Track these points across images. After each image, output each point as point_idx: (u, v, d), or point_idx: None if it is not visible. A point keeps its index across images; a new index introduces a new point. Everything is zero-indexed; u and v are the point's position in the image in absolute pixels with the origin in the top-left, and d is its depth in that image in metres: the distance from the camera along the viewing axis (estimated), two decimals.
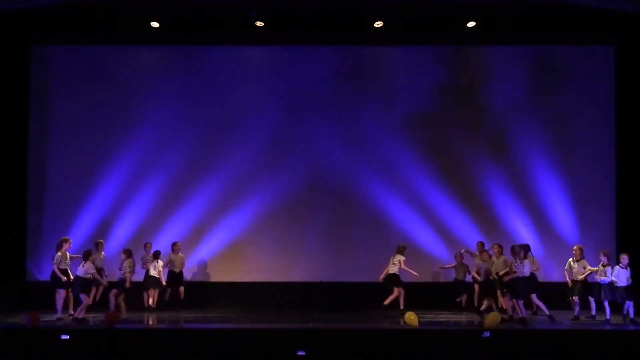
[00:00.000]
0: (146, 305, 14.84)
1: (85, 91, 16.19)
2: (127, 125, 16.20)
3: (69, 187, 16.05)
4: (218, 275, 16.10)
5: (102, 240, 14.75)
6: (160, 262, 15.00)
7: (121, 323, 12.51)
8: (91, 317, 13.39)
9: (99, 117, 16.16)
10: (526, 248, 13.71)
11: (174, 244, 15.30)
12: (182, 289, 15.19)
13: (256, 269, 16.09)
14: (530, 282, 13.33)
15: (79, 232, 15.62)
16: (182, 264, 15.33)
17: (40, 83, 16.27)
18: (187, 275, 15.83)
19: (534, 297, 13.62)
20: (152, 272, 14.88)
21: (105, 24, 15.82)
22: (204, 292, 15.84)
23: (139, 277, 14.96)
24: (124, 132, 16.18)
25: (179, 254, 15.28)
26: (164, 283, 14.91)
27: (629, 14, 14.58)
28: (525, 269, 13.14)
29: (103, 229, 15.89)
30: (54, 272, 13.47)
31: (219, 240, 15.97)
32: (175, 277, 15.21)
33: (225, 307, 15.38)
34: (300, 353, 11.19)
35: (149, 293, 14.88)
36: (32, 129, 16.20)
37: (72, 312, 13.36)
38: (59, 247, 13.47)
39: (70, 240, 13.82)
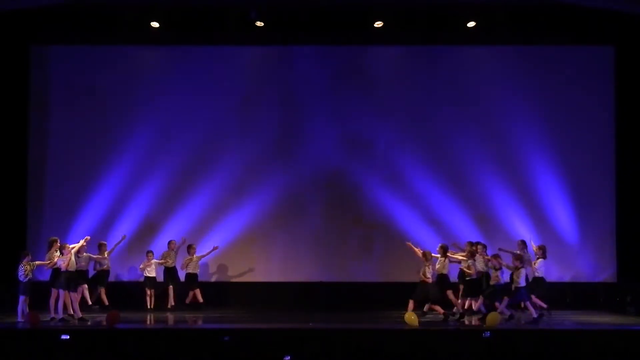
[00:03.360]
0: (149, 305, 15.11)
1: (85, 91, 16.21)
2: (126, 124, 16.21)
3: (69, 187, 16.07)
4: (218, 275, 16.10)
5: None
6: (154, 261, 15.27)
7: (121, 323, 12.50)
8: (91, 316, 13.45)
9: (99, 117, 16.17)
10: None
11: (189, 246, 15.38)
12: (198, 290, 15.30)
13: (256, 269, 16.11)
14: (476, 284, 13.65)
15: (79, 233, 15.57)
16: (197, 266, 15.46)
17: (40, 83, 16.28)
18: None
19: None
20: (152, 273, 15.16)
21: (105, 24, 15.85)
22: (204, 292, 15.80)
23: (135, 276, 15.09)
24: (123, 131, 16.19)
25: (194, 255, 15.37)
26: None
27: (629, 14, 14.59)
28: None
29: (103, 229, 15.90)
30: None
31: (219, 241, 15.93)
32: (192, 278, 15.33)
33: (225, 307, 15.39)
34: (286, 358, 11.18)
35: (151, 292, 15.13)
36: (32, 129, 16.22)
37: (71, 312, 13.34)
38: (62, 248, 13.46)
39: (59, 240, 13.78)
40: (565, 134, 16.17)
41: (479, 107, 16.25)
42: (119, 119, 16.21)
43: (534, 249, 14.24)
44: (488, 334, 11.60)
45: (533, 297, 13.75)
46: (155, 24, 15.88)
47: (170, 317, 14.11)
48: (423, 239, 15.97)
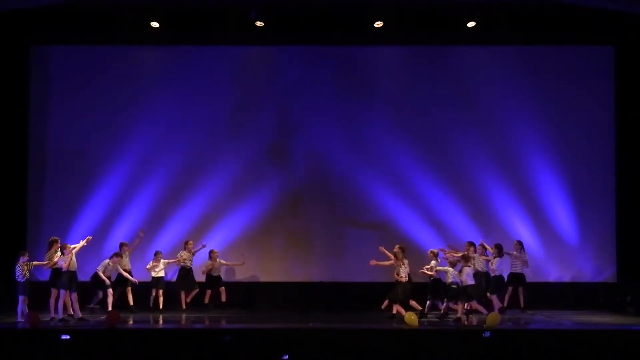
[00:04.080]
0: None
1: (85, 91, 16.22)
2: (126, 124, 16.21)
3: (68, 187, 16.06)
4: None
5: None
6: (163, 261, 15.24)
7: (121, 323, 12.52)
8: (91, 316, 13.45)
9: (99, 117, 16.17)
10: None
11: (211, 252, 15.42)
12: (223, 289, 15.37)
13: (256, 269, 16.11)
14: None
15: (79, 233, 15.57)
16: (219, 269, 15.53)
17: (40, 83, 16.28)
18: None
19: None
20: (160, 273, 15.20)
21: (105, 24, 15.83)
22: (203, 293, 15.79)
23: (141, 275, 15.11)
24: (123, 131, 16.19)
25: (217, 259, 15.40)
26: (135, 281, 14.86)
27: (629, 14, 14.59)
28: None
29: (103, 229, 15.89)
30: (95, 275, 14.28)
31: (219, 241, 15.94)
32: (214, 280, 15.40)
33: (225, 307, 15.37)
34: (284, 357, 11.19)
35: (159, 293, 15.10)
36: (32, 129, 16.21)
37: (71, 312, 13.36)
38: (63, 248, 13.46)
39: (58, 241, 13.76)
40: (565, 134, 16.16)
41: (479, 107, 16.24)
42: (119, 118, 16.20)
43: (490, 249, 14.35)
44: (488, 334, 11.61)
45: (494, 297, 13.86)
46: (155, 24, 15.88)
47: (171, 317, 14.10)
48: (423, 239, 15.98)
